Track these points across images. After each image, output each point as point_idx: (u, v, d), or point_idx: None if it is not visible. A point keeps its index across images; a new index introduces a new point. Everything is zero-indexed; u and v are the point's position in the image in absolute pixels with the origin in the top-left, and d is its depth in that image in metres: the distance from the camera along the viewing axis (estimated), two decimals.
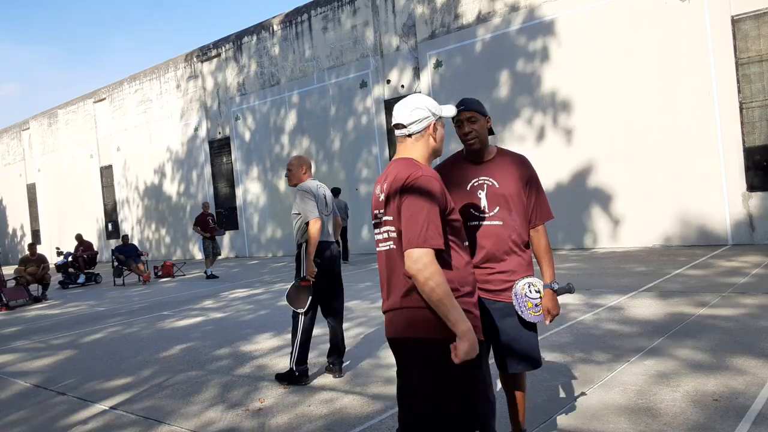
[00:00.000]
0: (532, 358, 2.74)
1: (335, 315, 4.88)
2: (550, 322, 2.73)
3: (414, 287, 2.01)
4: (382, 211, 2.14)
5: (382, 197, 2.13)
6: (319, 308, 4.85)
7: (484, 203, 2.67)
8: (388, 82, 15.13)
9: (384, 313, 2.20)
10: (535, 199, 2.75)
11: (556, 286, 2.72)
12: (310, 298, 4.66)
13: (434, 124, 2.20)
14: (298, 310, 4.67)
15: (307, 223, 4.63)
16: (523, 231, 2.73)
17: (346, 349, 5.63)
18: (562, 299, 6.89)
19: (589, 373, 4.22)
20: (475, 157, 2.74)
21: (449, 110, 2.28)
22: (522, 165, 2.76)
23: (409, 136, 2.19)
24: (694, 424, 3.22)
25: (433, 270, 1.93)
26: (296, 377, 4.67)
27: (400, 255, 2.05)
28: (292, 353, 4.69)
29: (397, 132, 2.23)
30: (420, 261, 1.93)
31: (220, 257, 19.78)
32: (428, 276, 1.92)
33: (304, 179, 4.85)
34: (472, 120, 2.68)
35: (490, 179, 2.69)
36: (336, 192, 14.42)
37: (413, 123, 2.18)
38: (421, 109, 2.18)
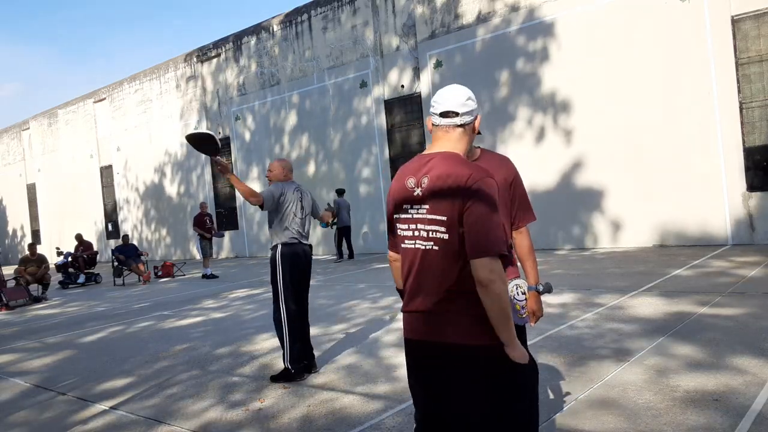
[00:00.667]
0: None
1: (303, 315, 4.96)
2: (535, 324, 2.71)
3: (454, 293, 1.94)
4: (422, 207, 1.99)
5: (419, 191, 1.99)
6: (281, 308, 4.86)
7: None
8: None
9: (407, 312, 2.09)
10: (519, 201, 2.71)
11: (540, 288, 2.70)
12: (211, 152, 4.71)
13: (478, 117, 2.09)
14: (187, 138, 4.72)
15: (271, 222, 4.84)
16: (508, 233, 2.70)
17: (346, 349, 5.63)
18: (562, 299, 6.91)
19: (589, 373, 4.22)
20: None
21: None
22: (506, 166, 2.71)
23: (460, 126, 2.04)
24: (694, 423, 3.22)
25: (504, 280, 1.88)
26: (293, 374, 4.71)
27: (444, 257, 1.95)
28: (284, 354, 4.75)
29: (445, 121, 2.04)
30: (495, 272, 1.84)
31: (219, 258, 19.79)
32: (501, 287, 1.85)
33: (275, 180, 4.99)
34: None
35: None
36: (340, 192, 14.53)
37: (467, 113, 2.03)
38: (472, 100, 2.05)
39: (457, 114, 2.03)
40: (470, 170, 1.94)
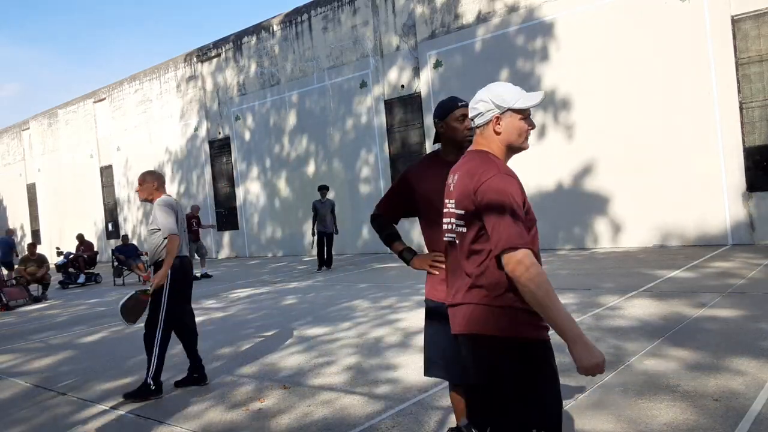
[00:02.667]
0: None
1: (191, 333, 4.91)
2: None
3: (478, 284, 2.00)
4: (451, 201, 2.10)
5: (452, 187, 2.12)
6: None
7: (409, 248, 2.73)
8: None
9: (449, 306, 2.18)
10: None
11: None
12: (145, 314, 4.63)
13: (498, 117, 2.07)
14: (128, 324, 4.65)
15: (166, 239, 4.65)
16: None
17: (346, 349, 5.63)
18: (562, 299, 6.90)
19: None
20: (454, 157, 2.74)
21: (528, 100, 2.08)
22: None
23: (478, 128, 2.13)
24: (693, 424, 3.22)
25: (535, 271, 1.86)
26: (152, 391, 4.60)
27: (461, 250, 2.06)
28: (149, 367, 4.62)
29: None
30: (522, 263, 1.86)
31: (219, 258, 19.80)
32: (530, 277, 1.85)
33: (159, 195, 4.82)
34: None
35: None
36: (324, 189, 12.99)
37: (476, 116, 2.11)
38: (483, 101, 2.08)
39: (470, 119, 2.15)
40: (487, 167, 1.99)
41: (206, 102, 20.23)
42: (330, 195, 16.06)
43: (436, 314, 2.74)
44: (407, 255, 2.88)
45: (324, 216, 12.65)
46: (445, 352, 2.71)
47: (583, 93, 12.07)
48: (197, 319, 8.14)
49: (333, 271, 12.40)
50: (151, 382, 4.60)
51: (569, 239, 12.36)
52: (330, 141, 16.66)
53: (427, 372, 2.81)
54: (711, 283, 7.12)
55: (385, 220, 3.00)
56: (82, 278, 15.52)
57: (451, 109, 2.72)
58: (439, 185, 2.72)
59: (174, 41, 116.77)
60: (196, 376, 4.88)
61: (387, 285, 9.54)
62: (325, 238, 12.73)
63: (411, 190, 2.83)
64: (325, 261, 12.80)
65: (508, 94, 2.05)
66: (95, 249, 17.17)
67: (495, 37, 13.25)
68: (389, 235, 2.96)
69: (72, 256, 15.90)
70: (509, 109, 2.06)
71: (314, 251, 13.20)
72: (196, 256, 13.99)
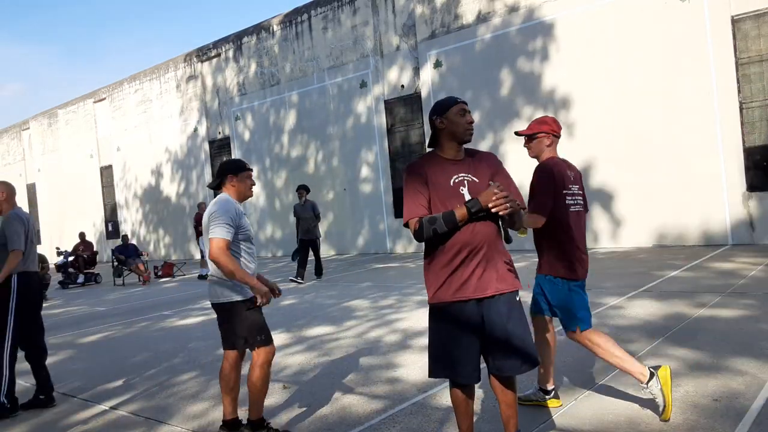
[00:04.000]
0: (529, 357, 2.70)
1: (41, 352, 4.77)
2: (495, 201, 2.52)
3: None
4: None
5: None
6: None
7: (468, 199, 2.67)
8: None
9: None
10: (511, 189, 2.76)
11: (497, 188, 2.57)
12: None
13: None
14: None
15: (11, 252, 4.47)
16: (500, 226, 2.79)
17: (347, 349, 5.63)
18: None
19: (589, 373, 4.22)
20: (454, 154, 2.77)
21: None
22: (492, 160, 2.85)
23: None
24: (694, 424, 3.22)
25: None
26: (8, 409, 4.53)
27: None
28: (1, 387, 4.53)
29: None
30: None
31: None
32: None
33: (8, 207, 4.64)
34: (470, 113, 2.79)
35: (470, 175, 2.72)
36: (303, 190, 11.54)
37: None
38: None
39: None
40: None
41: (206, 102, 20.24)
42: (329, 195, 16.09)
43: (441, 314, 2.74)
44: (471, 203, 2.59)
45: (306, 220, 11.11)
46: (451, 352, 2.71)
47: (583, 93, 12.07)
48: (197, 320, 8.18)
49: (333, 272, 12.40)
50: (5, 401, 4.51)
51: None
52: (330, 141, 16.66)
53: (432, 373, 2.81)
54: (711, 283, 7.12)
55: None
56: (81, 278, 15.51)
57: (450, 104, 2.77)
58: (443, 181, 2.71)
59: (174, 41, 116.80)
60: (42, 398, 4.68)
61: (387, 285, 9.53)
62: (310, 246, 11.21)
63: (427, 183, 2.70)
64: (315, 270, 11.39)
65: None
66: (95, 249, 17.17)
67: (495, 37, 13.25)
68: (442, 216, 2.63)
69: (71, 257, 15.86)
70: None
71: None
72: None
